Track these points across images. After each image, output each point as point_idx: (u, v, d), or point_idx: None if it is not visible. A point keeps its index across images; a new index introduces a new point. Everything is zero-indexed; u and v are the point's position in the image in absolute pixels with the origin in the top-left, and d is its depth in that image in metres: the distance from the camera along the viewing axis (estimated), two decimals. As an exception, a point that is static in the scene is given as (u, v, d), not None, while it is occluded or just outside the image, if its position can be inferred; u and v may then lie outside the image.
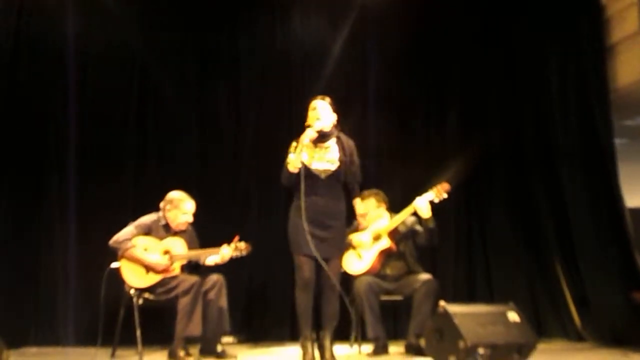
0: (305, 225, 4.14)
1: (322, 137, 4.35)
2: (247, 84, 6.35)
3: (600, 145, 5.70)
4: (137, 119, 6.16)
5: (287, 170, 4.23)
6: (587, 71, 5.88)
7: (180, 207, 4.95)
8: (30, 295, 5.76)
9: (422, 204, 4.88)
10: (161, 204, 5.01)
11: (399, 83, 6.44)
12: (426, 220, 4.96)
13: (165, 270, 4.78)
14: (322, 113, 4.36)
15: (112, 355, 4.84)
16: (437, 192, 4.88)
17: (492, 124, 6.30)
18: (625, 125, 6.61)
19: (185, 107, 6.24)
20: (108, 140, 6.04)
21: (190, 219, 5.00)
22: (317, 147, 4.34)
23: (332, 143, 4.40)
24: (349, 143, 4.45)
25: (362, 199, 5.16)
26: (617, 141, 5.87)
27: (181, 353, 4.60)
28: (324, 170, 4.30)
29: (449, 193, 4.92)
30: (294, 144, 4.36)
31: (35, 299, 5.76)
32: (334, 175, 4.32)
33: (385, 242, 5.07)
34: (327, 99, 4.44)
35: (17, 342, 5.13)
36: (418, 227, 5.14)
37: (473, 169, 6.09)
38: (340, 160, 4.34)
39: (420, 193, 4.95)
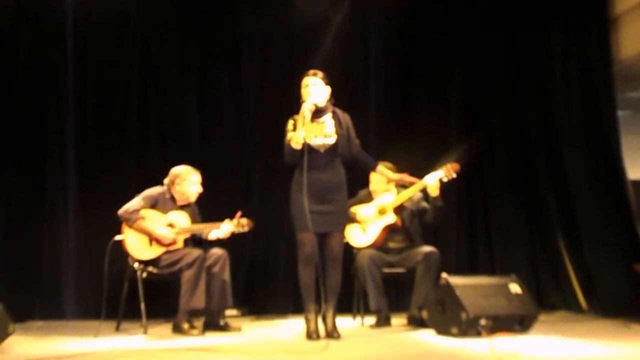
0: (306, 201, 4.15)
1: (317, 113, 4.35)
2: (249, 61, 6.30)
3: (603, 118, 5.68)
4: (139, 97, 6.12)
5: (291, 148, 4.23)
6: (591, 43, 5.83)
7: (189, 179, 4.99)
8: (35, 270, 5.78)
9: (432, 181, 4.86)
10: (166, 180, 5.03)
11: (401, 61, 6.41)
12: (434, 198, 4.96)
13: (170, 244, 4.82)
14: (313, 90, 4.35)
15: (117, 328, 4.89)
16: (447, 172, 4.85)
17: (495, 96, 6.27)
18: (629, 97, 6.59)
19: (187, 84, 6.21)
20: (110, 117, 6.03)
21: (200, 188, 5.05)
22: (314, 122, 4.34)
23: (327, 118, 4.40)
24: (345, 117, 4.46)
25: (376, 170, 5.17)
26: (620, 113, 5.86)
27: (185, 326, 4.64)
28: (323, 145, 4.31)
29: (458, 173, 4.91)
30: (291, 121, 4.37)
31: (39, 273, 5.78)
32: (332, 149, 4.33)
33: (391, 218, 5.07)
34: (319, 74, 4.41)
35: (22, 316, 5.16)
36: (425, 204, 5.13)
37: (478, 146, 6.10)
38: (338, 134, 4.35)
39: (424, 172, 4.94)
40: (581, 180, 5.69)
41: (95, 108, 6.03)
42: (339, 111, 4.45)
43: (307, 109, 4.23)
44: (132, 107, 6.10)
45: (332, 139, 4.33)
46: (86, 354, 3.77)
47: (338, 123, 4.39)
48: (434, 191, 4.89)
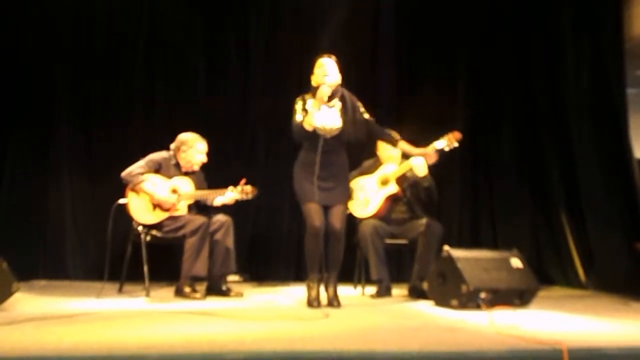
0: (315, 180, 4.19)
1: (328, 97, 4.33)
2: (257, 29, 6.28)
3: (611, 95, 5.64)
4: (145, 62, 6.13)
5: (303, 129, 4.24)
6: (602, 19, 5.77)
7: (195, 147, 4.99)
8: (40, 230, 5.84)
9: (418, 163, 4.85)
10: (172, 146, 5.03)
11: (409, 33, 6.38)
12: (422, 178, 4.95)
13: (171, 208, 4.83)
14: (329, 70, 4.33)
15: (119, 290, 4.93)
16: (449, 141, 4.83)
17: (503, 71, 6.23)
18: (639, 76, 6.52)
19: (194, 51, 6.20)
20: (116, 82, 6.05)
21: (205, 158, 5.05)
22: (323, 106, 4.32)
23: (335, 102, 4.36)
24: (352, 99, 4.42)
25: (397, 146, 5.15)
26: (630, 91, 5.80)
27: (187, 290, 4.68)
28: (329, 130, 4.28)
29: (459, 142, 4.89)
30: (299, 100, 4.36)
31: (44, 233, 5.85)
32: (338, 135, 4.32)
33: (393, 188, 5.07)
34: (333, 57, 4.40)
35: (26, 275, 5.21)
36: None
37: (480, 116, 6.09)
38: (344, 120, 4.32)
39: (428, 142, 4.92)
40: (587, 156, 5.67)
41: (101, 71, 6.02)
42: (347, 94, 4.42)
43: (324, 94, 4.21)
44: (139, 71, 6.10)
45: (338, 125, 4.31)
46: (88, 314, 3.81)
47: (344, 107, 4.36)
48: (420, 172, 4.89)
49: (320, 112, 4.24)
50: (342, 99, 4.38)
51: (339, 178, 4.38)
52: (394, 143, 4.61)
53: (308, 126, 4.21)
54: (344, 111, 4.34)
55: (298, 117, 4.29)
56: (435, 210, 5.59)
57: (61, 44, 5.98)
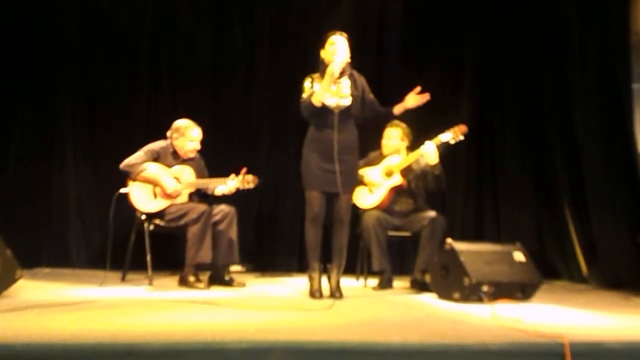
0: (336, 161, 4.18)
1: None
2: (262, 14, 6.27)
3: (617, 89, 5.62)
4: (151, 48, 6.14)
5: (312, 104, 4.23)
6: (609, 13, 5.74)
7: (187, 134, 4.98)
8: (44, 219, 5.85)
9: (430, 150, 4.85)
10: (168, 133, 5.04)
11: (416, 24, 6.38)
12: (432, 167, 4.95)
13: (174, 195, 4.83)
14: (340, 49, 4.33)
15: (123, 278, 4.95)
16: (454, 134, 4.83)
17: (508, 63, 6.21)
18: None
19: (199, 38, 6.20)
20: (121, 69, 6.05)
21: (198, 146, 5.03)
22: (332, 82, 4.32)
23: (344, 79, 4.37)
24: (361, 79, 4.45)
25: (391, 126, 5.16)
26: (635, 86, 5.79)
27: (191, 279, 4.69)
28: (338, 106, 4.28)
29: (465, 135, 4.88)
30: (308, 79, 4.37)
31: (48, 222, 5.86)
32: (346, 110, 4.31)
33: (397, 179, 5.07)
34: (345, 35, 4.40)
35: (30, 263, 5.23)
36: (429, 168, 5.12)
37: (485, 109, 6.07)
38: (353, 95, 4.33)
39: (434, 135, 4.91)
40: (592, 150, 5.66)
41: (106, 59, 6.03)
42: (356, 73, 4.44)
43: (335, 71, 4.21)
44: (144, 58, 6.11)
45: (347, 100, 4.31)
46: (91, 302, 3.82)
47: (354, 84, 4.37)
48: (431, 160, 4.88)
49: (329, 89, 4.24)
50: (351, 77, 4.39)
51: (347, 160, 4.33)
52: (391, 113, 4.58)
53: (317, 102, 4.22)
54: (354, 87, 4.35)
55: (306, 94, 4.31)
56: (440, 202, 5.60)
57: (66, 31, 5.98)
